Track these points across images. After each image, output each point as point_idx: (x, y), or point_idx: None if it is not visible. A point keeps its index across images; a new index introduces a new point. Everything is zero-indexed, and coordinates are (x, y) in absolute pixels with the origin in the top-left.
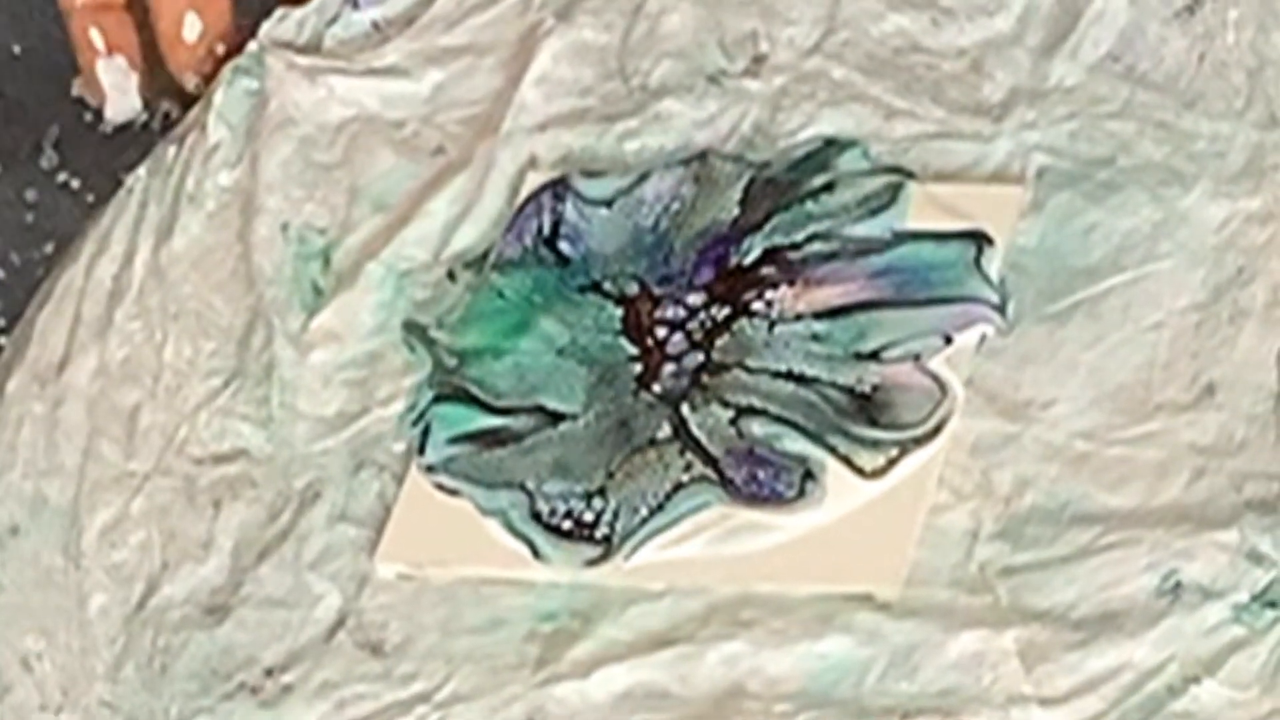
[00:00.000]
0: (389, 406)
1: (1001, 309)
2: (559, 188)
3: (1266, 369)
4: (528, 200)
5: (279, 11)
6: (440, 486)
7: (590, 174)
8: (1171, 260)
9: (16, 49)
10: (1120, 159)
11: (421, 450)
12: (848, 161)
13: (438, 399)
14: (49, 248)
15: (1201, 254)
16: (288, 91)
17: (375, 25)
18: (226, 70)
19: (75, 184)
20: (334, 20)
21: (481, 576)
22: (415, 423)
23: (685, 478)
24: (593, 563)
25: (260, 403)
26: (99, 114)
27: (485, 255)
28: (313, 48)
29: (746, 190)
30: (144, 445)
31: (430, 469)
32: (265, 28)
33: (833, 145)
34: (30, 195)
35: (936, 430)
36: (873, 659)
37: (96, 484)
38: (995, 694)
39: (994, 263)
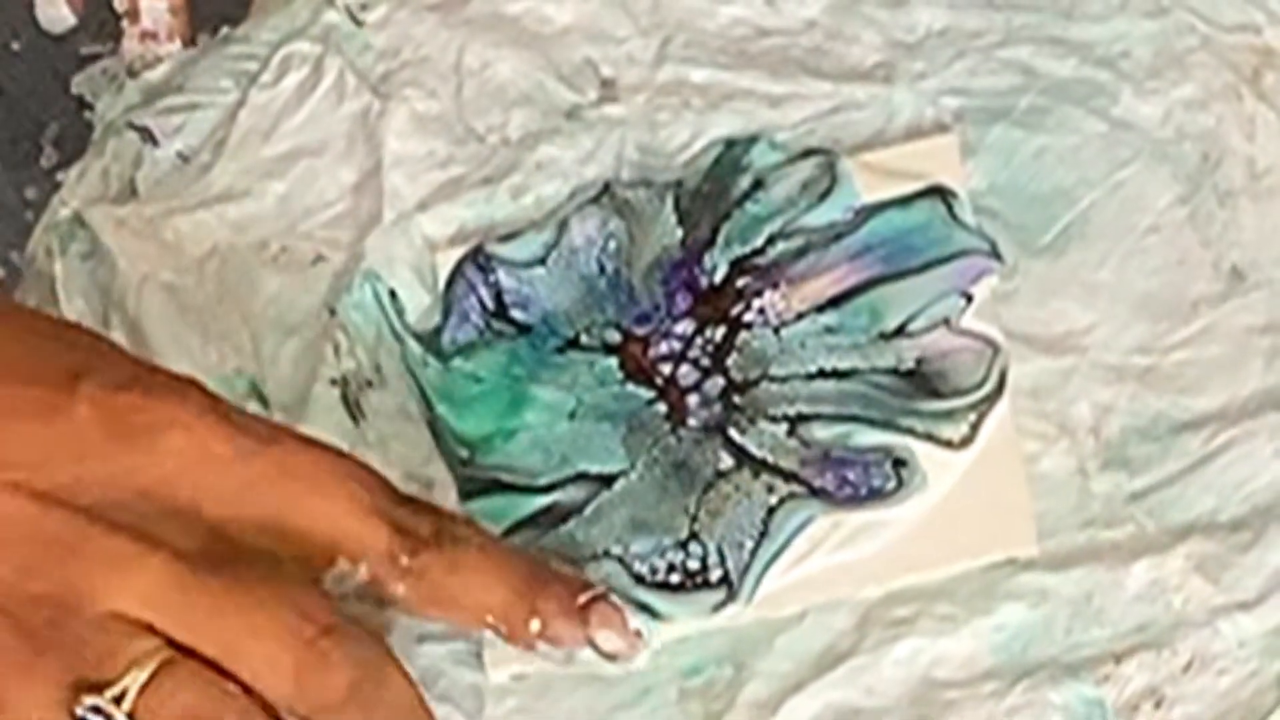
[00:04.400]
0: None
1: (996, 253)
2: (480, 259)
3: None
4: (452, 280)
5: (74, 169)
6: None
7: (504, 238)
8: (1136, 164)
9: (16, 48)
10: (1032, 82)
11: None
12: (759, 156)
13: (467, 495)
14: None
15: (1160, 151)
16: (129, 246)
17: (181, 156)
18: (52, 241)
19: None
20: (138, 163)
21: None
22: None
23: (774, 499)
24: (719, 606)
25: None
26: None
27: (430, 344)
28: (128, 195)
29: (677, 210)
30: None
31: None
32: (65, 190)
33: (735, 144)
34: (30, 195)
35: (1002, 384)
36: (1052, 616)
37: None
38: (1193, 613)
39: (966, 211)
